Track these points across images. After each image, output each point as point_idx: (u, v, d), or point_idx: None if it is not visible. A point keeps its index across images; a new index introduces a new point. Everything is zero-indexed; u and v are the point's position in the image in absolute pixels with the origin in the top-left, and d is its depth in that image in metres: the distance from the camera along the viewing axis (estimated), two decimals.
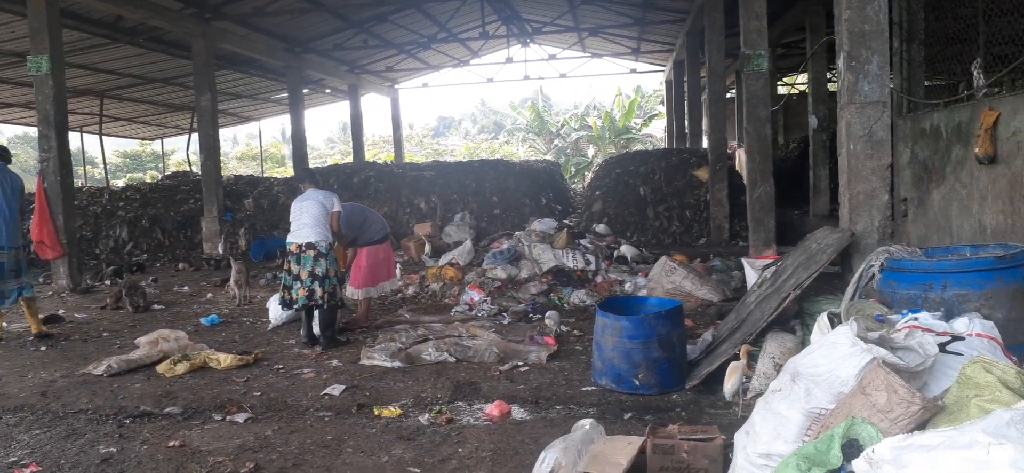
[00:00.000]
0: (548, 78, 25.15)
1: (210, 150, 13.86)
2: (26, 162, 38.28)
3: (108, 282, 11.12)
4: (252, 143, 41.91)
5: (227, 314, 8.54)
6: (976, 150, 6.08)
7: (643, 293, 7.98)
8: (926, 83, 8.82)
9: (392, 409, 4.95)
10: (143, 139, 29.14)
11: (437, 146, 43.30)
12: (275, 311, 7.67)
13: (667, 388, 5.02)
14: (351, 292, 7.50)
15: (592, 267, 9.30)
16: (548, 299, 8.21)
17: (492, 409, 4.81)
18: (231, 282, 9.37)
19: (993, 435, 2.27)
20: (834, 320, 3.90)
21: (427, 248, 11.74)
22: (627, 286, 8.64)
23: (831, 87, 14.33)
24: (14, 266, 7.36)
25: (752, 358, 4.67)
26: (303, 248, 6.60)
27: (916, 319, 3.56)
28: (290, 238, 6.74)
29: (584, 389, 5.27)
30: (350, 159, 23.98)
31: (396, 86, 25.62)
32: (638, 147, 30.39)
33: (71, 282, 10.36)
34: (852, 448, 2.66)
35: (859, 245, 5.33)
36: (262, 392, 5.53)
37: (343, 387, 5.50)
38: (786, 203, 13.03)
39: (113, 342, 7.36)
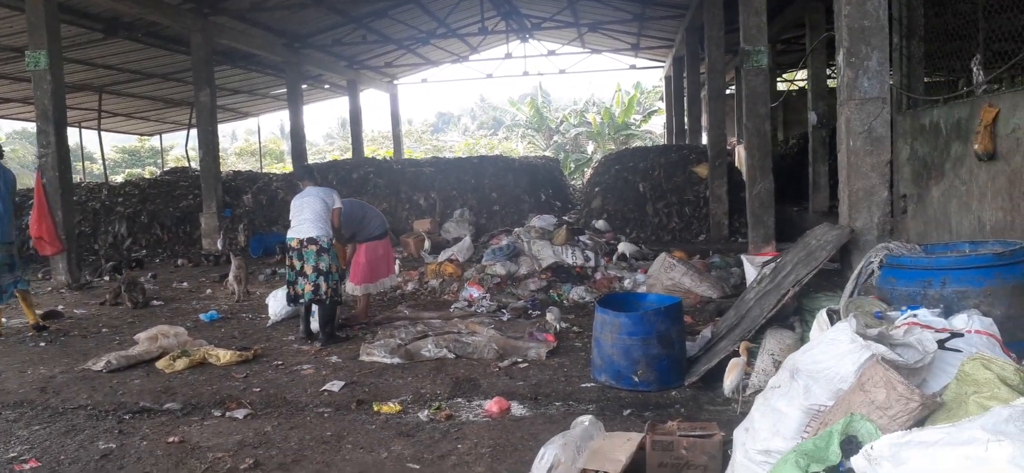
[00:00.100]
0: (547, 74, 25.17)
1: (209, 146, 13.85)
2: (25, 158, 38.26)
3: (107, 278, 11.12)
4: (251, 139, 41.90)
5: (226, 310, 8.54)
6: (975, 147, 6.08)
7: (642, 290, 7.98)
8: (926, 79, 8.82)
9: (391, 405, 4.95)
10: (142, 135, 29.15)
11: (436, 142, 43.29)
12: (274, 307, 7.67)
13: (666, 385, 5.03)
14: (350, 288, 7.51)
15: (591, 263, 9.30)
16: (547, 295, 8.22)
17: (491, 405, 4.81)
18: (230, 278, 9.37)
19: (992, 432, 2.27)
20: (833, 317, 3.90)
21: (426, 244, 11.74)
22: (626, 282, 8.64)
23: (831, 83, 14.32)
24: (9, 261, 7.35)
25: (752, 355, 4.67)
26: (305, 243, 6.61)
27: (915, 316, 3.56)
28: (291, 234, 6.74)
29: (583, 385, 5.28)
30: (349, 155, 23.97)
31: (395, 82, 25.60)
32: (637, 143, 30.35)
33: (70, 278, 10.35)
34: (851, 445, 2.67)
35: (858, 242, 5.34)
36: (261, 388, 5.53)
37: (342, 383, 5.50)
38: (786, 199, 13.02)
39: (112, 338, 7.36)
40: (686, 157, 14.03)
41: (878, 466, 2.43)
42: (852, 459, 2.53)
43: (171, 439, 4.52)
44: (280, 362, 6.22)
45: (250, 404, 5.15)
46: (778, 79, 21.59)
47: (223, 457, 4.24)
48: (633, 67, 25.75)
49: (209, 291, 9.94)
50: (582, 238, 10.18)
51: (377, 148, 33.32)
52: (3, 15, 12.30)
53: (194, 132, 16.12)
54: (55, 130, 10.21)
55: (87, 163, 30.14)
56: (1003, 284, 3.82)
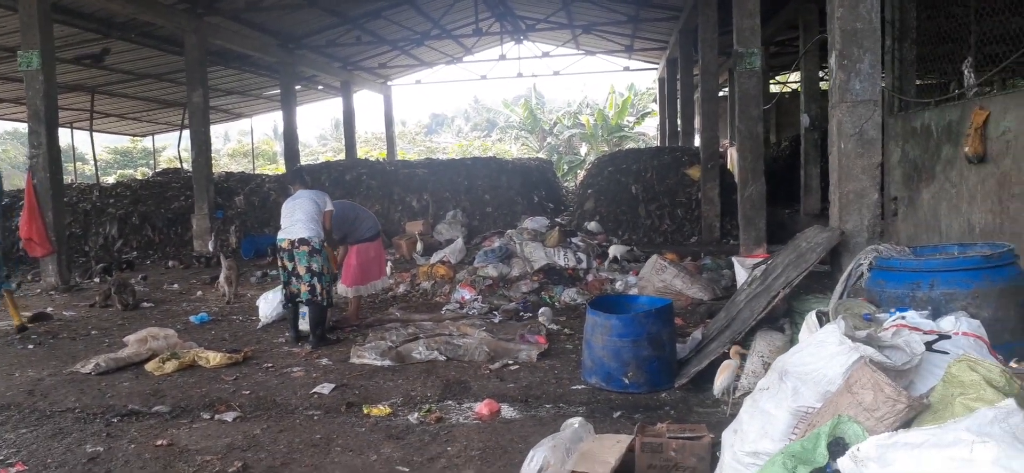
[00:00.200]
0: (542, 76, 25.17)
1: (201, 147, 13.80)
2: (16, 158, 38.09)
3: (97, 280, 11.07)
4: (244, 140, 41.74)
5: (217, 312, 8.51)
6: (966, 149, 6.10)
7: (634, 291, 7.98)
8: (917, 82, 8.85)
9: (381, 408, 4.94)
10: (134, 135, 29.02)
11: (430, 143, 43.26)
12: (265, 309, 7.64)
13: (656, 387, 5.03)
14: (342, 290, 7.49)
15: (583, 265, 9.30)
16: (539, 297, 8.21)
17: (482, 408, 4.80)
18: (221, 280, 9.33)
19: (977, 433, 2.28)
20: (823, 319, 3.90)
21: (419, 246, 11.72)
22: (618, 284, 8.64)
23: (823, 86, 14.37)
24: None
25: (742, 358, 4.67)
26: (296, 244, 6.58)
27: (903, 318, 3.56)
28: (282, 235, 6.71)
29: (574, 388, 5.27)
30: (342, 156, 23.93)
31: (389, 83, 25.57)
32: (631, 145, 30.40)
33: (60, 280, 10.30)
34: (838, 446, 2.67)
35: (849, 244, 5.35)
36: (251, 391, 5.51)
37: (333, 386, 5.49)
38: (777, 202, 13.07)
39: (102, 340, 7.32)
40: (679, 159, 14.04)
41: (864, 467, 2.43)
42: (839, 461, 2.53)
43: (159, 442, 4.50)
44: (270, 364, 6.20)
45: (239, 407, 5.13)
46: (771, 81, 21.67)
47: (211, 460, 4.22)
48: (627, 69, 25.79)
49: (200, 293, 9.90)
50: (574, 240, 10.18)
51: (370, 149, 33.32)
52: None
53: (187, 133, 16.08)
54: (46, 131, 10.16)
55: (79, 164, 30.03)
56: (991, 286, 3.82)
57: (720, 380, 4.52)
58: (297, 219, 6.64)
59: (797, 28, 14.24)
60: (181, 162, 21.62)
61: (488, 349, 6.09)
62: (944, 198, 6.75)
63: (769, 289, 5.11)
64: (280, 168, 31.00)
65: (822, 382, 3.16)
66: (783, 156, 17.62)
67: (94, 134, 21.54)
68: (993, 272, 3.87)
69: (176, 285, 10.64)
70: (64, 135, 17.76)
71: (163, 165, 28.39)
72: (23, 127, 23.48)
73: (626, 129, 33.79)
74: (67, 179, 18.57)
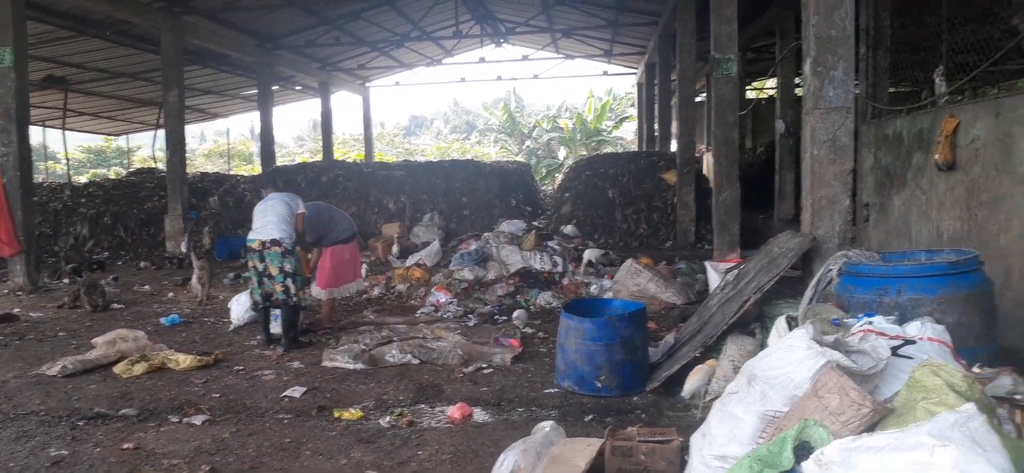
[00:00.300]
0: (521, 79, 25.18)
1: (176, 147, 13.64)
2: None
3: (67, 280, 10.90)
4: (220, 140, 41.31)
5: (188, 314, 8.41)
6: (936, 157, 6.19)
7: (609, 295, 8.00)
8: (891, 89, 8.96)
9: (353, 411, 4.90)
10: (108, 134, 28.62)
11: (408, 145, 43.11)
12: (237, 311, 7.57)
13: (629, 390, 5.04)
14: (315, 292, 7.42)
15: (559, 269, 9.31)
16: (515, 301, 8.20)
17: (454, 411, 4.78)
18: (194, 281, 9.22)
19: (937, 437, 2.30)
20: (792, 323, 3.94)
21: (395, 249, 11.67)
22: (593, 288, 8.66)
23: (799, 92, 14.46)
24: None
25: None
26: (267, 244, 6.51)
27: (871, 323, 3.61)
28: (252, 235, 6.63)
29: (547, 391, 5.26)
30: (320, 157, 23.79)
31: (368, 84, 25.47)
32: (609, 149, 30.50)
33: (28, 280, 10.12)
34: (804, 450, 2.68)
35: (820, 249, 5.39)
36: (221, 394, 5.44)
37: (304, 389, 5.43)
38: (753, 207, 13.14)
39: (69, 342, 7.20)
40: (655, 164, 14.11)
41: (828, 471, 2.44)
42: (803, 464, 2.54)
43: (125, 446, 4.42)
44: (241, 367, 6.13)
45: (209, 410, 5.07)
46: (748, 87, 21.84)
47: (178, 464, 4.17)
48: (606, 73, 25.91)
49: (171, 294, 9.78)
50: (550, 244, 10.19)
51: (348, 150, 33.15)
52: None
53: (162, 133, 15.89)
54: (17, 128, 9.98)
55: (50, 163, 29.56)
56: (956, 292, 3.87)
57: (690, 383, 4.53)
58: (269, 220, 6.58)
59: (774, 35, 14.35)
60: (156, 162, 21.36)
61: (462, 352, 6.07)
62: (915, 205, 6.83)
63: (741, 294, 5.14)
64: (256, 169, 30.72)
65: (790, 386, 3.18)
66: (759, 161, 17.75)
67: (67, 133, 21.22)
68: (958, 278, 3.92)
69: (147, 286, 10.50)
70: (35, 133, 17.53)
71: (137, 165, 28.03)
72: None
73: (605, 133, 33.90)
74: (38, 178, 18.24)
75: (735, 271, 6.10)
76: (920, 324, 3.51)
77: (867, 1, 8.53)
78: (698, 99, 20.91)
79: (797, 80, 15.21)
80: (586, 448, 3.80)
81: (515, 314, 7.45)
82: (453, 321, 7.46)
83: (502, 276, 9.03)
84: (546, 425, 4.02)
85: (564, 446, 3.84)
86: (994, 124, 5.47)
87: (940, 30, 8.24)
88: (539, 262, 9.36)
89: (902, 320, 3.63)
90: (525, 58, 22.67)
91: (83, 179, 24.60)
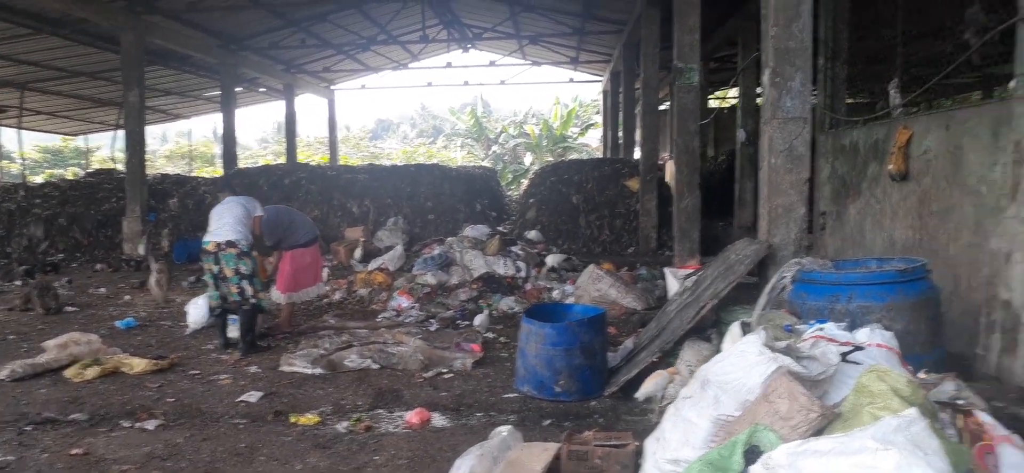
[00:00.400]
0: (488, 84, 25.23)
1: (136, 148, 13.38)
2: None
3: (19, 282, 10.63)
4: (182, 141, 40.63)
5: (145, 317, 8.25)
6: (890, 167, 6.32)
7: (571, 300, 8.03)
8: (848, 100, 9.14)
9: (310, 416, 4.85)
10: (66, 134, 27.97)
11: (374, 149, 42.79)
12: (194, 314, 7.44)
13: (587, 395, 5.06)
14: (275, 296, 7.33)
15: (522, 274, 9.33)
16: (477, 306, 8.19)
17: (412, 416, 4.76)
18: (152, 284, 9.05)
19: (880, 441, 2.35)
20: (746, 329, 3.99)
21: (357, 253, 11.58)
22: (555, 293, 8.69)
23: (760, 101, 14.71)
24: None
25: (669, 367, 4.74)
26: (222, 246, 6.41)
27: (822, 329, 3.67)
28: (208, 237, 6.53)
29: (506, 396, 5.27)
30: (284, 160, 23.52)
31: (333, 87, 25.26)
32: (574, 156, 30.62)
33: None
34: (754, 454, 2.72)
35: (776, 257, 5.47)
36: (175, 398, 5.35)
37: (261, 394, 5.37)
38: (714, 214, 13.30)
39: (19, 345, 7.02)
40: (619, 171, 14.21)
41: None
42: (751, 468, 2.58)
43: (74, 451, 4.33)
44: (197, 371, 6.03)
45: (163, 414, 4.98)
46: (710, 97, 22.12)
47: (129, 470, 4.10)
48: (572, 81, 26.04)
49: (128, 297, 9.58)
50: (514, 249, 10.20)
51: (313, 153, 32.82)
52: None
53: (122, 133, 15.58)
54: None
55: (5, 163, 28.84)
56: (905, 300, 3.97)
57: (647, 387, 4.57)
58: (225, 222, 6.49)
59: (736, 45, 14.55)
60: (115, 163, 20.94)
61: (422, 357, 6.05)
62: (869, 214, 6.98)
63: (698, 299, 5.20)
64: (219, 171, 30.30)
65: (742, 391, 3.23)
66: (719, 170, 17.96)
67: (23, 132, 20.73)
68: (907, 286, 4.02)
69: (103, 289, 10.28)
70: None
71: (96, 166, 27.43)
72: None
73: (570, 140, 34.05)
74: None
75: (694, 277, 6.17)
76: (869, 331, 3.58)
77: (826, 14, 8.70)
78: (662, 107, 21.13)
79: (758, 90, 15.46)
80: (542, 453, 3.81)
81: (477, 319, 7.44)
82: (415, 326, 7.43)
83: (465, 281, 9.01)
84: (504, 430, 4.02)
85: (521, 451, 3.84)
86: (945, 136, 5.60)
87: (896, 43, 8.42)
88: (502, 267, 9.37)
89: (853, 327, 3.70)
90: (492, 64, 22.69)
91: (39, 179, 24.02)
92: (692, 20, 9.28)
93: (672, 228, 10.34)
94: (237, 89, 19.81)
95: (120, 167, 18.42)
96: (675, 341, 4.93)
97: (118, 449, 4.40)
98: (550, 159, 29.66)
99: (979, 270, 5.00)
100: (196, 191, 14.99)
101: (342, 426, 4.71)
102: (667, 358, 4.97)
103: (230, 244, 6.40)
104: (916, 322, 3.96)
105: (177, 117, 25.84)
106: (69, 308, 8.83)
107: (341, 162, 26.96)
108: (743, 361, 3.32)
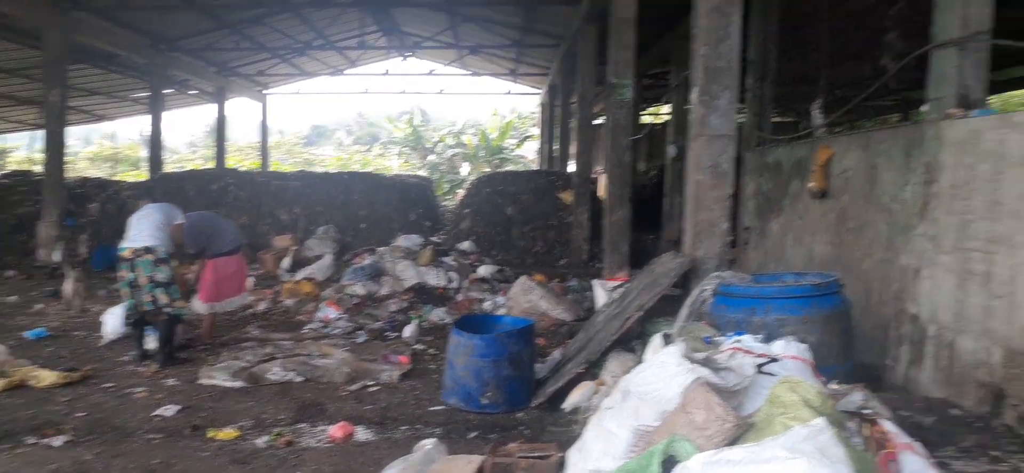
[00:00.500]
0: (426, 94, 25.10)
1: (55, 149, 12.79)
2: None
3: None
4: (106, 143, 39.19)
5: (57, 327, 7.88)
6: (811, 184, 6.54)
7: (502, 311, 8.03)
8: (776, 119, 9.42)
9: (229, 431, 4.71)
10: None
11: (308, 155, 42.10)
12: (111, 325, 7.14)
13: (515, 406, 5.06)
14: (197, 306, 7.09)
15: (454, 285, 9.29)
16: (407, 317, 8.10)
17: (335, 430, 4.66)
18: (66, 291, 8.66)
19: (790, 450, 2.41)
20: (668, 341, 4.06)
21: (285, 262, 11.35)
22: (486, 304, 8.68)
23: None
24: None
25: (595, 378, 4.78)
26: (139, 252, 6.17)
27: (740, 341, 3.76)
28: (124, 244, 6.29)
29: (432, 408, 5.22)
30: (213, 164, 22.91)
31: (266, 91, 24.77)
32: (511, 167, 30.74)
33: None
34: (671, 464, 2.75)
35: (699, 270, 5.58)
36: (87, 413, 5.12)
37: (178, 407, 5.18)
38: (645, 228, 13.51)
39: None
40: (553, 183, 14.33)
41: None
42: None
43: None
44: (111, 384, 5.78)
45: (72, 430, 4.75)
46: (643, 112, 22.52)
47: None
48: (510, 93, 26.18)
49: (40, 306, 9.12)
50: (447, 259, 10.16)
51: (244, 158, 32.04)
52: None
53: (42, 133, 14.90)
54: None
55: None
56: (818, 313, 4.09)
57: (573, 398, 4.60)
58: (143, 228, 6.26)
59: (669, 62, 14.85)
60: (33, 164, 20.03)
61: (349, 370, 5.94)
62: (791, 229, 7.20)
63: (624, 311, 5.27)
64: (144, 175, 29.31)
65: (661, 401, 3.27)
66: (651, 184, 18.26)
67: None
68: (821, 300, 4.15)
69: (14, 297, 9.76)
70: None
71: (11, 167, 26.19)
72: None
73: (508, 151, 34.14)
74: None
75: (621, 289, 6.24)
76: (785, 343, 3.68)
77: (756, 34, 8.97)
78: (597, 122, 21.40)
79: (688, 107, 15.79)
80: (467, 465, 3.78)
81: (406, 330, 7.36)
82: (341, 337, 7.30)
83: (395, 291, 8.92)
84: (428, 443, 3.99)
85: (445, 464, 3.81)
86: (863, 156, 5.83)
87: (821, 65, 8.69)
88: (434, 278, 9.31)
89: (769, 339, 3.79)
90: (431, 72, 22.62)
91: None
92: (627, 37, 9.43)
93: (604, 240, 10.46)
94: (167, 91, 19.24)
95: (38, 169, 17.62)
96: (601, 352, 4.98)
97: (21, 467, 4.18)
98: (487, 170, 29.68)
99: (890, 285, 5.20)
100: (119, 195, 14.45)
101: (262, 441, 4.58)
102: (593, 369, 5.01)
103: (147, 250, 6.16)
104: (829, 335, 4.09)
105: (102, 118, 24.93)
106: None
107: (273, 168, 26.43)
108: (663, 372, 3.37)
